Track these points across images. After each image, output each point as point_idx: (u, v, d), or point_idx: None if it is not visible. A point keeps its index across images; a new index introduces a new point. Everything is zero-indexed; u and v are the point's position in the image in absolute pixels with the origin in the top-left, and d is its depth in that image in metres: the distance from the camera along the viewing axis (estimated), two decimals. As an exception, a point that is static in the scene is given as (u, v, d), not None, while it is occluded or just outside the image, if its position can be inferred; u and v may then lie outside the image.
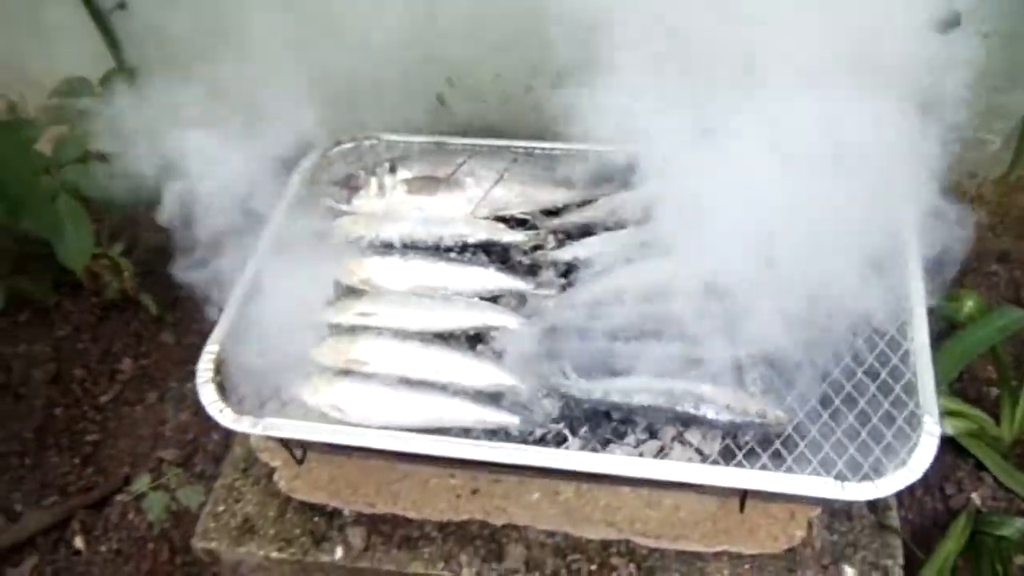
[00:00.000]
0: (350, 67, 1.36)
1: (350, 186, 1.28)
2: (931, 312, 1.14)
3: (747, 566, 1.21)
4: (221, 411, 1.10)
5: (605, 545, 1.24)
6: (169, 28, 1.59)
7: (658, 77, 1.09)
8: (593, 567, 1.23)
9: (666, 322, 1.11)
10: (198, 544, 1.33)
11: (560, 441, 1.09)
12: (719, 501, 1.15)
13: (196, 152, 1.21)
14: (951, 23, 1.50)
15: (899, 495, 1.42)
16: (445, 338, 1.17)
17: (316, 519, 1.32)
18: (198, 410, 1.41)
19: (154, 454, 1.70)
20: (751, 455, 1.08)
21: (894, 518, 1.25)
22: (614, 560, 1.23)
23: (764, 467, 1.03)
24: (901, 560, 1.22)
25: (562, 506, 1.21)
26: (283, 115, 1.26)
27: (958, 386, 1.58)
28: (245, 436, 1.37)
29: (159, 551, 1.57)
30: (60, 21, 1.75)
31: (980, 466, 1.49)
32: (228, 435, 1.47)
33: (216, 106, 1.28)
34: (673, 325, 1.10)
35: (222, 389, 1.14)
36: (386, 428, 1.07)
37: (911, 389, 1.05)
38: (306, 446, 1.21)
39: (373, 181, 1.27)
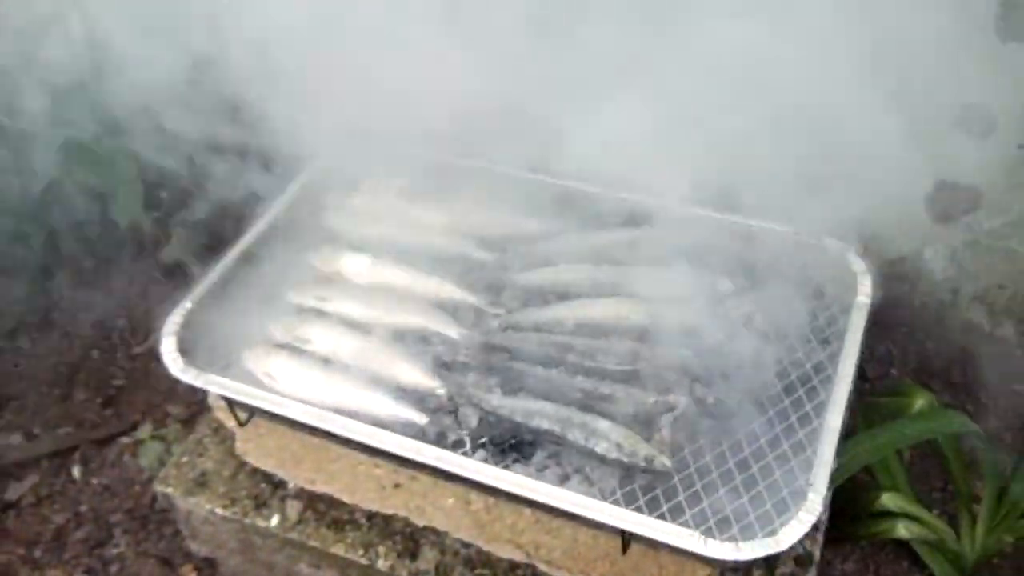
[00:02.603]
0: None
1: (349, 187, 1.38)
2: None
3: (643, 616, 1.22)
4: (173, 360, 1.21)
5: (513, 566, 1.27)
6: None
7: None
8: (497, 584, 1.27)
9: (593, 357, 1.15)
10: (157, 487, 1.44)
11: (459, 447, 1.14)
12: (614, 543, 1.16)
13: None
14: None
15: None
16: (393, 334, 1.24)
17: (262, 485, 1.40)
18: None
19: (163, 407, 1.84)
20: (652, 503, 1.10)
21: (801, 599, 1.23)
22: (518, 582, 1.26)
23: (639, 509, 1.04)
24: (802, 643, 1.20)
25: (473, 517, 1.25)
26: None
27: (933, 494, 1.54)
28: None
29: (142, 495, 1.70)
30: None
31: (933, 577, 1.45)
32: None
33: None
34: (600, 360, 1.14)
35: (183, 343, 1.25)
36: (306, 402, 1.15)
37: (807, 465, 1.05)
38: (245, 409, 1.30)
39: (369, 184, 1.37)
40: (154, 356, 1.93)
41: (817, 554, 1.28)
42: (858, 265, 1.27)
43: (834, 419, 1.07)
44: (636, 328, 1.19)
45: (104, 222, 2.07)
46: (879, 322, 1.81)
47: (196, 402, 1.83)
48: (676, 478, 1.08)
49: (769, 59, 1.24)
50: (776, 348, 1.20)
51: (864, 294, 1.23)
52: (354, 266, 1.31)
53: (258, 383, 1.20)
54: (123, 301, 2.03)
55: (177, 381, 1.86)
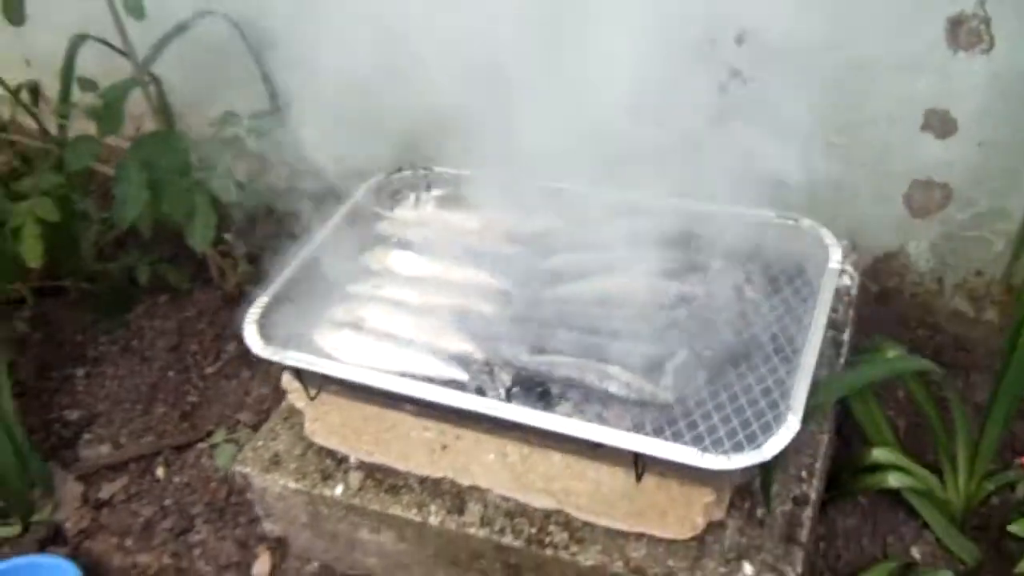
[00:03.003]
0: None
1: (394, 198, 1.62)
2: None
3: (660, 549, 1.40)
4: (255, 342, 1.44)
5: (547, 514, 1.47)
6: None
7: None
8: (534, 530, 1.46)
9: (606, 320, 1.36)
10: (236, 468, 1.66)
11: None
12: (631, 480, 1.35)
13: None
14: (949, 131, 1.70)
15: (842, 536, 1.58)
16: (435, 313, 1.47)
17: (328, 461, 1.62)
18: (276, 386, 1.76)
19: (234, 417, 2.06)
20: (658, 434, 1.30)
21: (803, 533, 1.41)
22: (551, 527, 1.45)
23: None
24: (799, 569, 1.37)
25: (511, 470, 1.45)
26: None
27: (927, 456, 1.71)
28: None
29: (219, 489, 1.91)
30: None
31: (927, 526, 1.61)
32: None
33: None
34: (612, 323, 1.35)
35: (262, 329, 1.48)
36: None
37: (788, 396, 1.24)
38: (315, 381, 1.52)
39: (412, 196, 1.61)
40: (224, 375, 2.19)
41: (813, 496, 1.46)
42: (830, 239, 1.48)
43: (809, 359, 1.27)
44: (640, 299, 1.41)
45: (176, 258, 2.34)
46: (874, 315, 2.02)
47: (264, 410, 2.05)
48: (678, 414, 1.28)
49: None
50: (763, 310, 1.41)
51: (835, 261, 1.43)
52: (400, 261, 1.54)
53: (326, 357, 1.43)
54: (194, 328, 2.27)
55: (246, 394, 2.12)
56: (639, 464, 1.24)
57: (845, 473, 1.64)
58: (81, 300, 2.34)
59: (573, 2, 1.86)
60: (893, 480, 1.57)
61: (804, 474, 1.48)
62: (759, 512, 1.43)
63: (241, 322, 1.49)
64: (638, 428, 1.29)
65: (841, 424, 1.72)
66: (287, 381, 1.56)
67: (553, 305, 1.43)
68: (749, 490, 1.45)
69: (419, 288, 1.50)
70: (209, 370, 2.20)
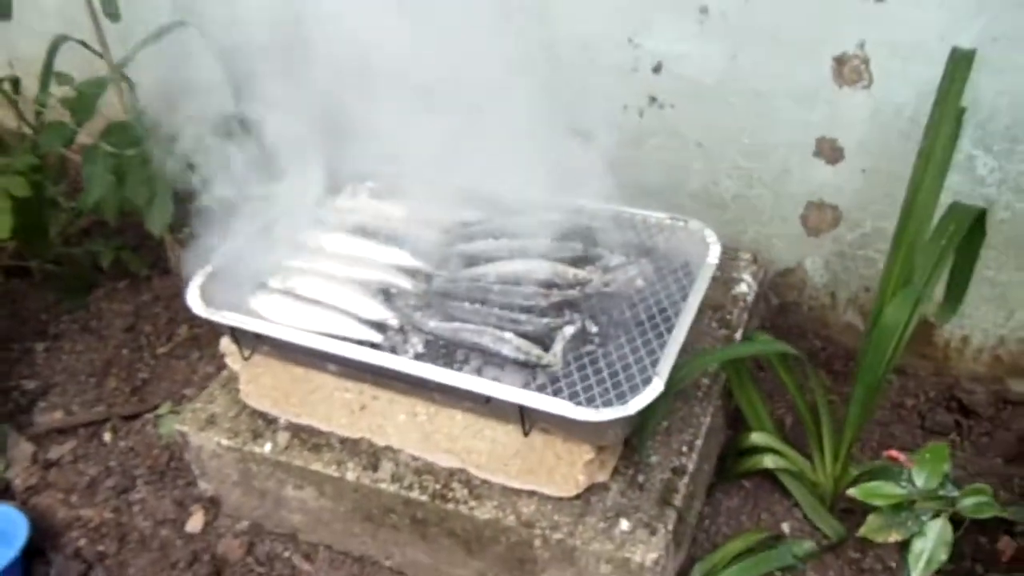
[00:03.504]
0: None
1: (333, 191, 1.81)
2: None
3: (549, 506, 1.56)
4: (196, 303, 1.61)
5: (451, 473, 1.63)
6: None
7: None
8: (438, 486, 1.62)
9: (506, 296, 1.55)
10: (175, 427, 1.81)
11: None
12: (523, 440, 1.52)
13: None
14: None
15: (724, 514, 1.75)
16: (360, 286, 1.65)
17: (259, 422, 1.77)
18: (221, 365, 1.91)
19: (181, 392, 2.21)
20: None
21: (678, 498, 1.57)
22: (454, 484, 1.61)
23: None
24: (670, 527, 1.54)
25: (420, 429, 1.61)
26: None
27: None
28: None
29: (161, 455, 2.05)
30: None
31: (798, 505, 1.78)
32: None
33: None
34: (511, 298, 1.54)
35: (204, 294, 1.65)
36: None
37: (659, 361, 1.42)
38: (248, 345, 1.68)
39: (349, 188, 1.79)
40: (174, 355, 2.34)
41: (690, 467, 1.63)
42: (712, 238, 1.67)
43: (679, 334, 1.45)
44: (541, 280, 1.59)
45: (139, 247, 2.51)
46: (776, 325, 2.21)
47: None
48: (562, 379, 1.46)
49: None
50: (647, 295, 1.59)
51: (713, 257, 1.62)
52: (332, 241, 1.72)
53: (258, 319, 1.59)
54: (150, 311, 2.43)
55: (193, 372, 2.27)
56: (524, 418, 1.41)
57: (730, 457, 1.82)
58: (46, 281, 2.49)
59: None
60: (769, 462, 1.75)
61: (684, 449, 1.65)
62: (640, 478, 1.60)
63: (186, 287, 1.65)
64: (526, 388, 1.46)
65: (735, 418, 1.89)
66: (225, 345, 1.72)
67: (464, 283, 1.61)
68: (633, 460, 1.62)
69: (347, 264, 1.68)
70: (161, 350, 2.35)
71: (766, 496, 1.83)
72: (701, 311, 1.90)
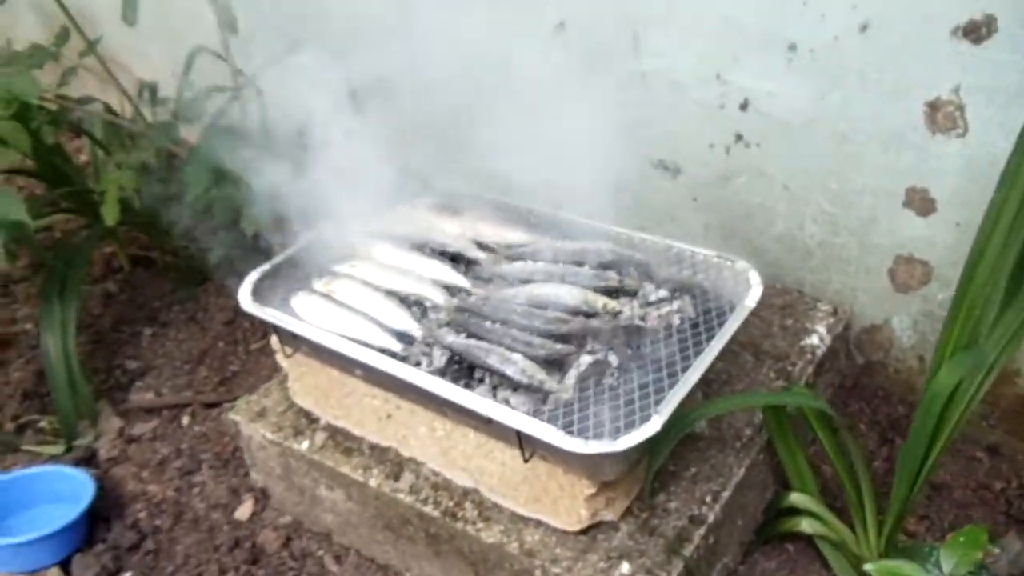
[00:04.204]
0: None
1: (397, 201, 1.86)
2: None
3: (553, 538, 1.53)
4: (245, 299, 1.69)
5: (466, 491, 1.62)
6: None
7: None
8: (451, 504, 1.62)
9: (528, 318, 1.54)
10: (230, 415, 1.91)
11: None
12: (529, 465, 1.49)
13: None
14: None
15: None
16: (398, 296, 1.68)
17: (302, 420, 1.84)
18: None
19: (261, 386, 2.32)
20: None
21: (689, 548, 1.50)
22: (467, 503, 1.61)
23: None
24: (675, 576, 1.47)
25: (439, 444, 1.62)
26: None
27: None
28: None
29: (229, 444, 2.15)
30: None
31: (838, 577, 1.65)
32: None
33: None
34: (532, 321, 1.53)
35: (257, 292, 1.73)
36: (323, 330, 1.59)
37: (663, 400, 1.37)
38: (289, 342, 1.74)
39: (411, 199, 1.84)
40: (265, 352, 2.46)
41: (710, 519, 1.55)
42: (755, 280, 1.58)
43: (693, 375, 1.39)
44: (568, 307, 1.57)
45: (251, 249, 2.66)
46: (859, 385, 2.08)
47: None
48: (573, 410, 1.43)
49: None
50: (682, 335, 1.53)
51: (752, 299, 1.54)
52: (380, 250, 1.77)
53: (294, 319, 1.66)
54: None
55: (277, 370, 2.38)
56: (522, 443, 1.39)
57: (769, 515, 1.71)
58: (165, 271, 2.69)
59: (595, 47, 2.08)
60: (807, 526, 1.63)
61: (708, 499, 1.57)
62: (653, 523, 1.54)
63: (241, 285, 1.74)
64: (535, 413, 1.44)
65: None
66: (274, 341, 1.79)
67: (492, 302, 1.61)
68: (651, 505, 1.56)
69: (390, 273, 1.71)
70: (254, 346, 2.47)
71: (807, 564, 1.71)
72: (759, 359, 1.83)
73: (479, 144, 1.81)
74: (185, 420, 2.24)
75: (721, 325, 1.54)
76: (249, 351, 2.46)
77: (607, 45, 2.08)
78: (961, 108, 1.69)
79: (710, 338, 1.49)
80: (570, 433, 1.33)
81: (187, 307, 2.61)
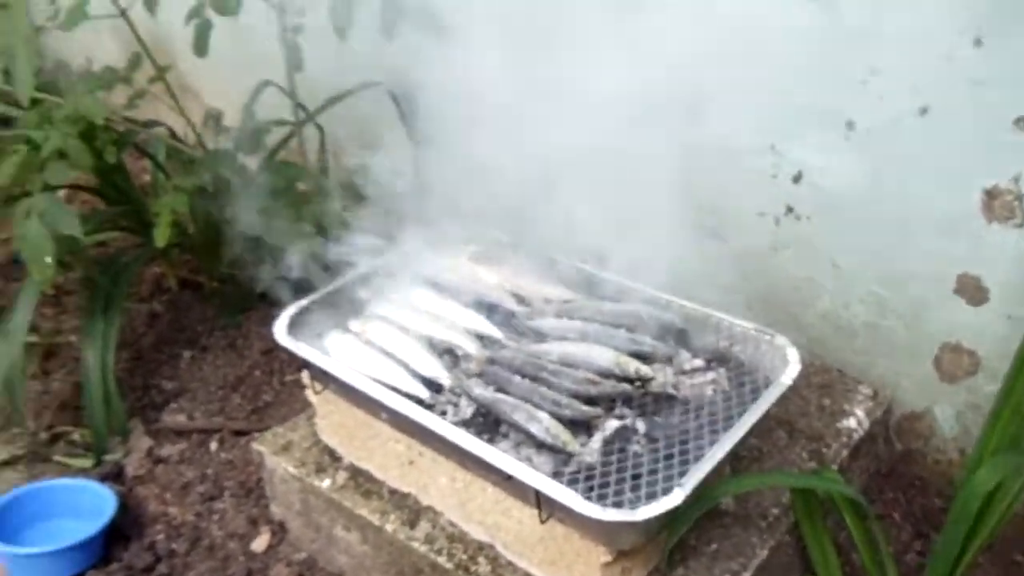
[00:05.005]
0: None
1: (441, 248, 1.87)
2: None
3: (567, 603, 1.49)
4: (280, 331, 1.70)
5: (481, 546, 1.60)
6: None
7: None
8: (465, 557, 1.59)
9: (557, 376, 1.52)
10: (254, 445, 1.91)
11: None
12: (547, 525, 1.46)
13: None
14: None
15: None
16: (431, 342, 1.68)
17: (326, 457, 1.83)
18: None
19: (292, 419, 2.32)
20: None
21: (705, 628, 1.46)
22: (480, 558, 1.58)
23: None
24: (688, 656, 1.42)
25: (457, 495, 1.59)
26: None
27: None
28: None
29: (253, 473, 2.15)
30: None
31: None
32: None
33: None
34: (562, 380, 1.51)
35: (293, 325, 1.74)
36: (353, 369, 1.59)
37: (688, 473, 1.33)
38: (318, 379, 1.74)
39: (453, 246, 1.85)
40: (299, 384, 2.46)
41: (732, 596, 1.50)
42: (793, 356, 1.55)
43: (720, 450, 1.35)
44: (599, 368, 1.55)
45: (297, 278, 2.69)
46: (895, 472, 2.02)
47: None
48: (597, 473, 1.40)
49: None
50: (714, 407, 1.51)
51: (788, 377, 1.50)
52: (418, 294, 1.77)
53: (326, 356, 1.66)
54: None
55: (309, 405, 2.39)
56: (540, 503, 1.36)
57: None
58: (211, 296, 2.73)
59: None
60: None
61: (727, 577, 1.53)
62: (671, 599, 1.49)
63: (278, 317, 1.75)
64: (555, 474, 1.41)
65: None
66: (305, 376, 1.79)
67: (523, 357, 1.60)
68: (668, 576, 1.52)
69: (425, 319, 1.71)
70: (288, 378, 2.48)
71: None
72: (793, 437, 1.78)
73: (527, 198, 1.82)
74: (213, 445, 2.25)
75: (755, 400, 1.50)
76: (283, 383, 2.47)
77: (660, 109, 2.08)
78: (1020, 198, 1.65)
79: (742, 412, 1.46)
80: (590, 498, 1.30)
81: (228, 333, 2.64)
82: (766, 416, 1.45)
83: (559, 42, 1.88)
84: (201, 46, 2.13)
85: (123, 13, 2.17)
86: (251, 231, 2.27)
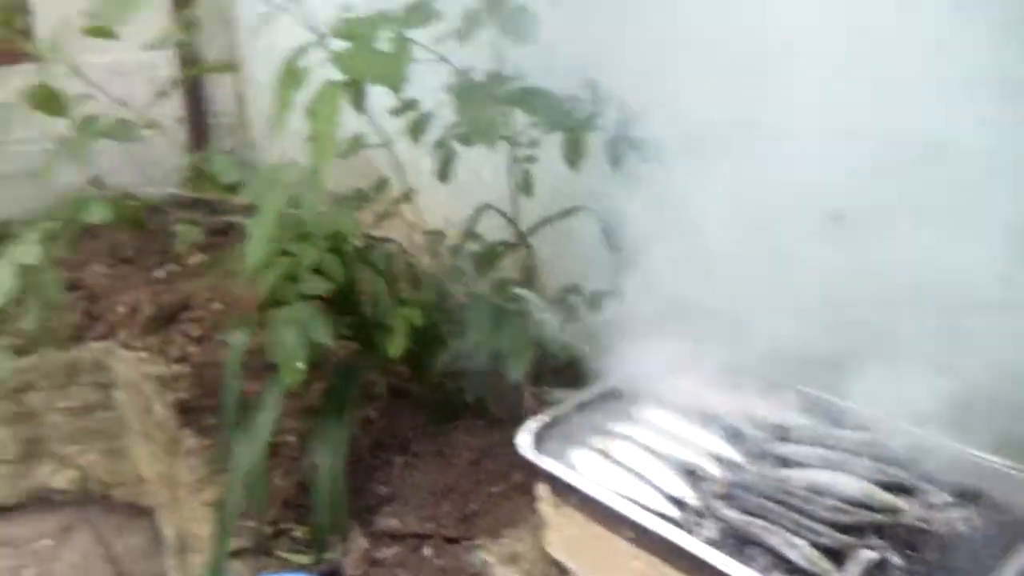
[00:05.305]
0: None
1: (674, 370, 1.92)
2: None
3: None
4: (525, 443, 1.77)
5: None
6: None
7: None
8: None
9: (808, 503, 1.53)
10: (480, 554, 1.98)
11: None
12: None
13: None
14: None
15: None
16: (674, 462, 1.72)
17: (554, 570, 1.87)
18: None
19: (500, 530, 2.38)
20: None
21: None
22: None
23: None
24: None
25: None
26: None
27: None
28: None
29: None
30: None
31: None
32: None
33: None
34: (814, 507, 1.52)
35: (537, 439, 1.81)
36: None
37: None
38: (560, 493, 1.79)
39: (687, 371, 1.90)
40: (504, 496, 2.53)
41: None
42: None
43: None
44: (847, 496, 1.54)
45: (504, 391, 2.79)
46: None
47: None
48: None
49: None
50: (968, 546, 1.47)
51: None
52: (656, 416, 1.82)
53: (572, 471, 1.72)
54: (495, 451, 2.67)
55: (515, 515, 2.45)
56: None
57: None
58: (421, 404, 2.85)
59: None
60: None
61: None
62: None
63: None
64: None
65: None
66: (541, 490, 1.85)
67: (769, 481, 1.61)
68: None
69: (664, 439, 1.75)
70: (494, 489, 2.55)
71: None
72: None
73: (759, 326, 1.85)
74: (427, 551, 2.32)
75: (1011, 543, 1.46)
76: (490, 493, 2.54)
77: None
78: None
79: (1006, 552, 1.42)
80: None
81: (437, 441, 2.74)
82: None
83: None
84: (444, 172, 2.31)
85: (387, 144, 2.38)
86: (469, 345, 2.40)
